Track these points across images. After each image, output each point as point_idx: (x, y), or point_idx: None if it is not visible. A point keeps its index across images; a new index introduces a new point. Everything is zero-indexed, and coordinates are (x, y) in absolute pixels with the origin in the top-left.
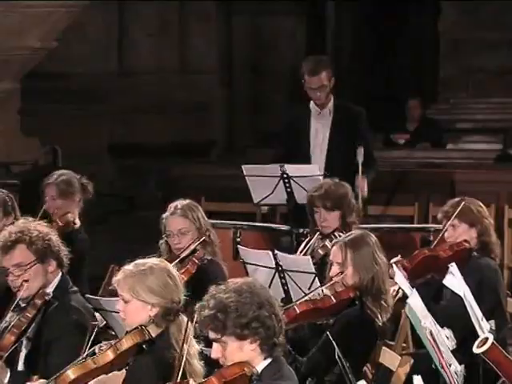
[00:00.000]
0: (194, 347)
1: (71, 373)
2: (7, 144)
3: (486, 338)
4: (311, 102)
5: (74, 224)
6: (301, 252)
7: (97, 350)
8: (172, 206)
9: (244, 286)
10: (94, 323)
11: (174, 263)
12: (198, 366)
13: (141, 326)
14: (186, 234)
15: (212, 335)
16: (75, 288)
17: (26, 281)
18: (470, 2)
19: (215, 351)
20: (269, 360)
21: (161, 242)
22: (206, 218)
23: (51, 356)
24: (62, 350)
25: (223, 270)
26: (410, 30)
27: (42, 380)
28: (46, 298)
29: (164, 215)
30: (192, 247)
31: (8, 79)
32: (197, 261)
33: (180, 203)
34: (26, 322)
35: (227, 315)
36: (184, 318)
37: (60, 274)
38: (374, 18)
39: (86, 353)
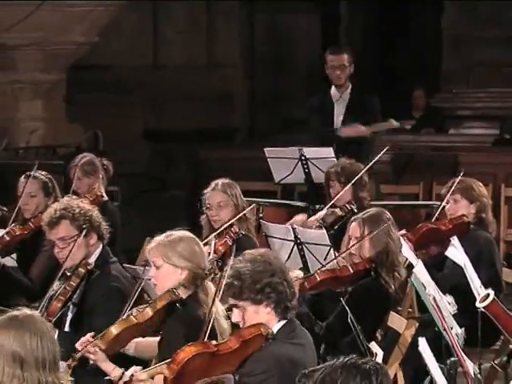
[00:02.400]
0: (220, 308)
1: (114, 329)
2: (54, 129)
3: (488, 294)
4: (332, 88)
5: (102, 197)
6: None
7: (134, 312)
8: (214, 182)
9: (258, 257)
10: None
11: (212, 235)
12: (225, 324)
13: (171, 288)
14: (224, 207)
15: (231, 301)
16: (115, 258)
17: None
18: (470, 1)
19: (235, 316)
20: (283, 322)
21: (202, 216)
22: (242, 197)
23: (94, 319)
24: (104, 314)
25: (256, 245)
26: (415, 27)
27: (89, 334)
28: (89, 267)
29: (206, 190)
30: (228, 222)
31: (54, 71)
32: (233, 235)
33: (221, 180)
34: (70, 289)
35: (243, 282)
36: (210, 284)
37: (101, 246)
38: (382, 18)
39: (126, 313)
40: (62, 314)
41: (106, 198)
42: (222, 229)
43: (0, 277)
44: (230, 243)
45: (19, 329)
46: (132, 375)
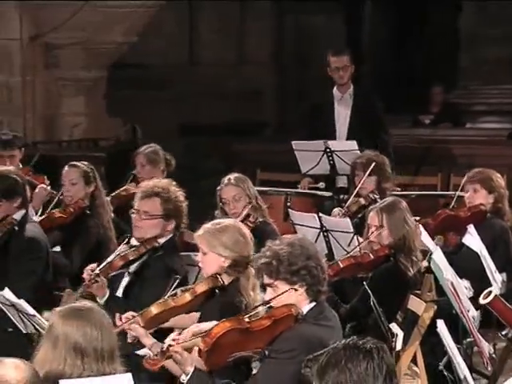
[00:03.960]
0: (258, 295)
1: (154, 309)
2: (95, 123)
3: (490, 292)
4: (334, 89)
5: None
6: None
7: (178, 293)
8: (225, 178)
9: (296, 241)
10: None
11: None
12: (261, 309)
13: (215, 274)
14: (239, 200)
15: (266, 280)
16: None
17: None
18: (485, 2)
19: (268, 294)
20: (313, 304)
21: (216, 212)
22: (253, 188)
23: (144, 292)
24: (153, 290)
25: (274, 228)
26: (433, 27)
27: (130, 313)
28: (155, 244)
29: (218, 187)
30: (245, 212)
31: (96, 69)
32: (250, 224)
33: (231, 175)
34: (134, 255)
35: (280, 263)
36: (252, 270)
37: (172, 235)
38: (402, 18)
39: (168, 294)
40: (118, 278)
41: None
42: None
43: None
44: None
45: (81, 320)
46: (169, 345)
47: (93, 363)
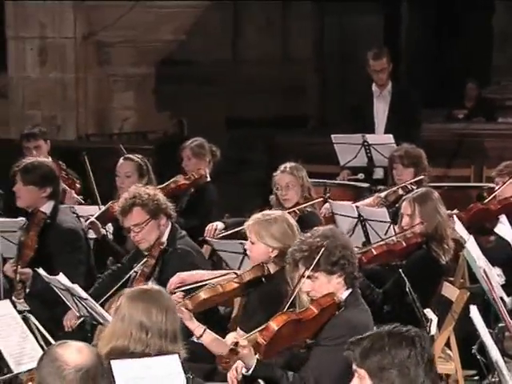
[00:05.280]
0: (304, 284)
1: (203, 294)
2: (144, 117)
3: None
4: (373, 85)
5: (206, 177)
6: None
7: (223, 282)
8: (282, 165)
9: (328, 232)
10: None
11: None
12: (306, 300)
13: (262, 263)
14: (292, 188)
15: (306, 272)
16: (183, 233)
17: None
18: None
19: (307, 286)
20: (350, 290)
21: (271, 196)
22: (308, 179)
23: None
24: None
25: (321, 220)
26: (468, 26)
27: (179, 293)
28: (161, 246)
29: (275, 173)
30: (295, 200)
31: (145, 65)
32: (299, 212)
33: (289, 164)
34: (148, 270)
35: (319, 255)
36: None
37: (170, 224)
38: (439, 17)
39: (213, 280)
40: None
41: (209, 178)
42: (289, 206)
43: (101, 246)
44: (295, 219)
45: (148, 302)
46: (236, 343)
47: (156, 340)
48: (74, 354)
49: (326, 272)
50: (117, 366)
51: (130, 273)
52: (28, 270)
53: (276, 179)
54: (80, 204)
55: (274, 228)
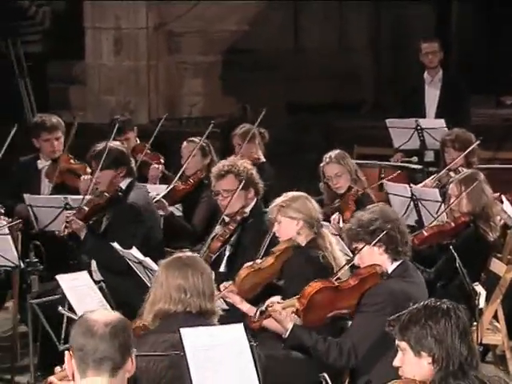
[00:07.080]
0: (337, 251)
1: (242, 272)
2: (211, 102)
3: None
4: (425, 73)
5: (259, 159)
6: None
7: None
8: (326, 156)
9: (377, 208)
10: None
11: (336, 201)
12: (347, 273)
13: (290, 238)
14: (341, 176)
15: (352, 245)
16: (266, 210)
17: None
18: None
19: (356, 259)
20: (397, 263)
21: (320, 184)
22: (352, 162)
23: (246, 260)
24: (253, 256)
25: (373, 199)
26: None
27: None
28: (244, 215)
29: (321, 164)
30: (346, 186)
31: (212, 54)
32: (352, 196)
33: (332, 153)
34: (228, 232)
35: (359, 227)
36: (327, 232)
37: (255, 200)
38: (490, 9)
39: (261, 253)
40: (219, 255)
41: (263, 159)
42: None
43: (169, 223)
44: (353, 203)
45: (183, 267)
46: (268, 306)
47: (195, 299)
48: (102, 314)
49: (365, 241)
50: (185, 333)
51: (212, 233)
52: (81, 223)
53: (324, 170)
54: (164, 177)
55: (294, 203)
